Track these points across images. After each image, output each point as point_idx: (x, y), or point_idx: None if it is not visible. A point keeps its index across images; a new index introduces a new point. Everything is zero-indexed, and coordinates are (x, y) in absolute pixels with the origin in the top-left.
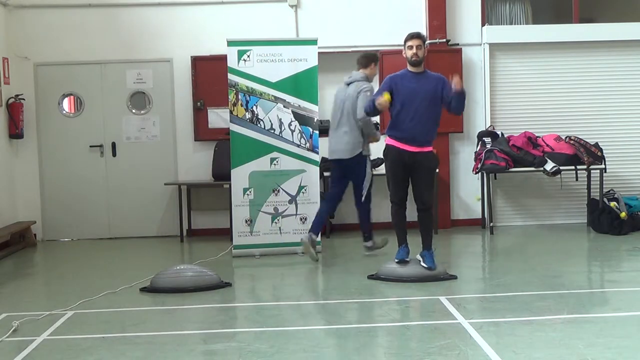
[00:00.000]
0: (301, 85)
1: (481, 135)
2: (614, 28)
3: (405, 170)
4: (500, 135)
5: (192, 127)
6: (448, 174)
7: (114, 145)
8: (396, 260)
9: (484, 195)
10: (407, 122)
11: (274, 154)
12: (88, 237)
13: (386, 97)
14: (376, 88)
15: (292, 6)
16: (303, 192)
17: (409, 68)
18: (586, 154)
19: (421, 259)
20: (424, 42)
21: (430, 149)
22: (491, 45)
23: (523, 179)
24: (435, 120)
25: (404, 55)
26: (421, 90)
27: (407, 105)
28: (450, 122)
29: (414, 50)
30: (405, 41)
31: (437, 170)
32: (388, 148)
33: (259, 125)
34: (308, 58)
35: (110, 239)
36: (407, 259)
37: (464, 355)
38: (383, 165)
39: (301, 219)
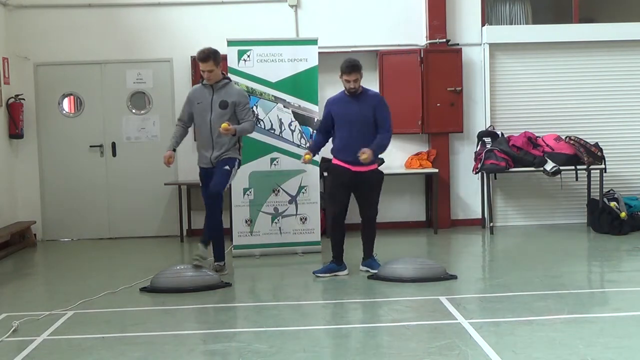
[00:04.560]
0: (301, 85)
1: (481, 135)
2: (614, 28)
3: (349, 185)
4: (500, 135)
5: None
6: (448, 174)
7: (114, 145)
8: (314, 273)
9: (484, 195)
10: (350, 146)
11: (274, 154)
12: (88, 237)
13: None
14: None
15: (292, 6)
16: (303, 192)
17: (346, 93)
18: (586, 154)
19: (369, 268)
20: (361, 72)
21: (374, 167)
22: (491, 45)
23: (523, 179)
24: (373, 138)
25: (341, 80)
26: (359, 115)
27: (348, 131)
28: (450, 122)
29: (352, 84)
30: (343, 72)
31: (437, 170)
32: (333, 165)
33: (259, 125)
34: (308, 58)
35: (110, 239)
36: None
37: (464, 355)
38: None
39: (301, 219)
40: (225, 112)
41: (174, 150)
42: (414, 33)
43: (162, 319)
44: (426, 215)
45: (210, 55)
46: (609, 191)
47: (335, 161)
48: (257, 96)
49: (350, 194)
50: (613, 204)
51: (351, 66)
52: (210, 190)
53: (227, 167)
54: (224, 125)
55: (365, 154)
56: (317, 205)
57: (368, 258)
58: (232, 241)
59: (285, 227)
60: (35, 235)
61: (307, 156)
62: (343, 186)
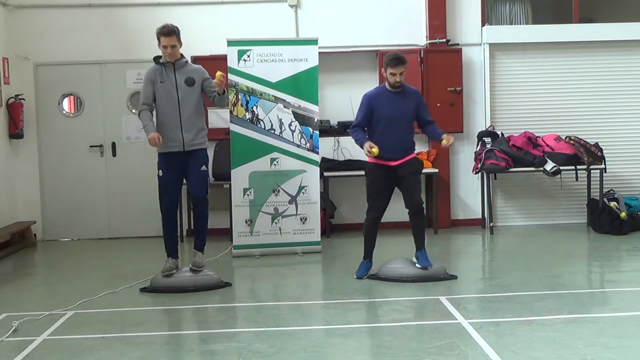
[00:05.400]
0: (301, 85)
1: (481, 135)
2: (614, 28)
3: (390, 184)
4: (500, 135)
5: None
6: (448, 174)
7: (114, 145)
8: (356, 277)
9: (484, 195)
10: (389, 141)
11: (274, 154)
12: (88, 237)
13: (375, 151)
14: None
15: (292, 6)
16: (303, 192)
17: (388, 88)
18: (586, 154)
19: (416, 261)
20: (405, 66)
21: (413, 155)
22: (491, 45)
23: (523, 179)
24: (412, 132)
25: (384, 75)
26: (401, 111)
27: (387, 127)
28: (450, 122)
29: (397, 77)
30: (387, 66)
31: (437, 170)
32: (370, 166)
33: (259, 125)
34: (308, 58)
35: (110, 239)
36: (365, 277)
37: (464, 355)
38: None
39: (301, 219)
40: (193, 89)
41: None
42: (414, 33)
43: (162, 319)
44: (426, 215)
45: (175, 30)
46: (609, 191)
47: (372, 160)
48: (257, 96)
49: (392, 192)
50: (613, 204)
51: (397, 59)
52: (198, 198)
53: (204, 168)
54: (219, 74)
55: (446, 139)
56: (317, 205)
57: (420, 250)
58: (232, 241)
59: (285, 227)
60: (35, 235)
61: (375, 149)
62: (386, 187)
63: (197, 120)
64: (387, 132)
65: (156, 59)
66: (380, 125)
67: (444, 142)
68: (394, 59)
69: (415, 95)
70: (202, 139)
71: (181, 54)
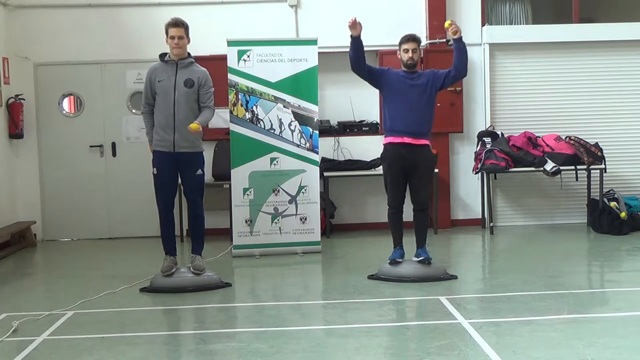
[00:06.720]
0: (301, 85)
1: (481, 135)
2: (614, 28)
3: (403, 171)
4: (500, 135)
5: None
6: (448, 174)
7: (114, 145)
8: (389, 261)
9: (484, 195)
10: (403, 112)
11: (274, 154)
12: (88, 237)
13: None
14: None
15: (292, 6)
16: (303, 192)
17: (404, 70)
18: (586, 154)
19: (417, 258)
20: (419, 45)
21: (426, 142)
22: (491, 45)
23: (523, 179)
24: (430, 112)
25: (399, 57)
26: (415, 86)
27: (402, 102)
28: (450, 122)
29: (410, 54)
30: (401, 43)
31: (437, 170)
32: (386, 148)
33: (259, 125)
34: (308, 58)
35: (110, 239)
36: (400, 260)
37: (464, 355)
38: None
39: (301, 219)
40: (191, 91)
41: None
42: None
43: (162, 319)
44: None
45: (183, 22)
46: (609, 191)
47: (387, 140)
48: (257, 96)
49: (406, 179)
50: (613, 204)
51: (409, 35)
52: (193, 201)
53: (200, 172)
54: (194, 126)
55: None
56: (317, 205)
57: (420, 247)
58: (232, 241)
59: (285, 227)
60: (35, 235)
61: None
62: (401, 173)
63: (190, 123)
64: (402, 106)
65: (161, 56)
66: (395, 99)
67: (450, 30)
68: (407, 35)
69: (429, 73)
70: (196, 142)
71: (188, 53)
